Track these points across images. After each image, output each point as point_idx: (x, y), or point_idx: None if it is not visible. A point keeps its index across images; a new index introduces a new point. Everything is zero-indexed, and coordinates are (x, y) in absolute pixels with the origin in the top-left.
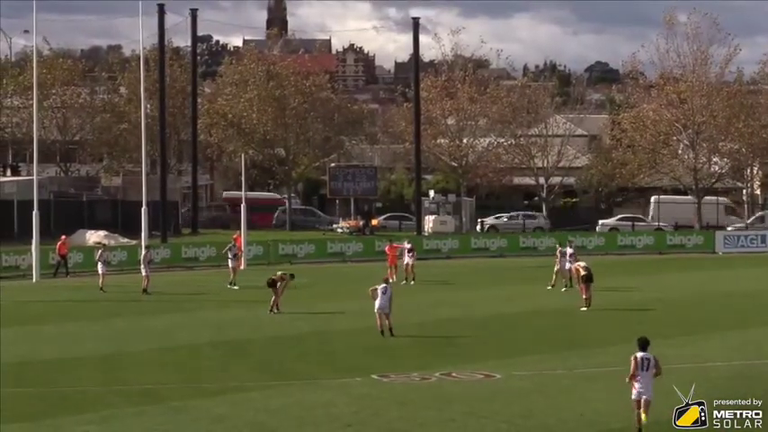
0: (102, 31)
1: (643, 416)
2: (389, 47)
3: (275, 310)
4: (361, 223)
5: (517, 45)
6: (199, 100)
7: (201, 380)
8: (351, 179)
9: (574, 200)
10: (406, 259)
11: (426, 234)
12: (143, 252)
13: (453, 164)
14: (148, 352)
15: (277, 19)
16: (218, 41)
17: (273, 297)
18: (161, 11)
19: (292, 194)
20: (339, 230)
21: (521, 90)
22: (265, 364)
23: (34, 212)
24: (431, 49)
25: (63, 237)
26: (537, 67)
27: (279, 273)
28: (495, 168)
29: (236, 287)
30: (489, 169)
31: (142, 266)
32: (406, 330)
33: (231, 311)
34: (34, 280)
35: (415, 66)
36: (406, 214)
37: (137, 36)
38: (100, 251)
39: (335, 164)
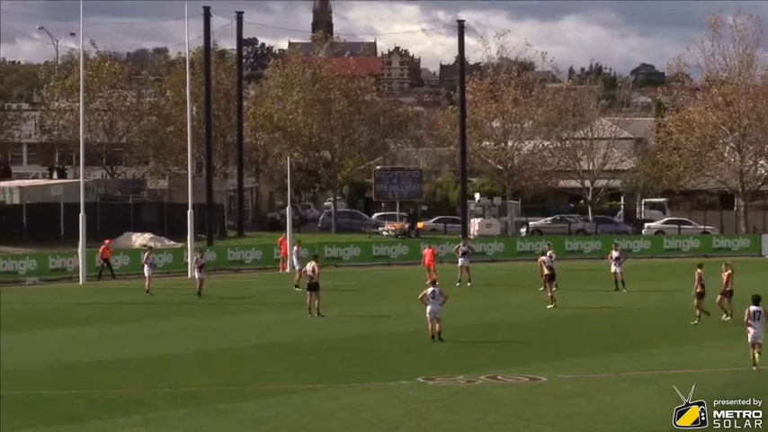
0: (150, 33)
1: (756, 355)
2: (437, 50)
3: (316, 314)
4: (407, 226)
5: (563, 48)
6: (244, 103)
7: (246, 382)
8: (396, 182)
9: (619, 203)
10: (461, 261)
11: (472, 237)
12: (195, 256)
13: (499, 167)
14: (193, 354)
15: (322, 22)
16: (263, 44)
17: (317, 300)
18: (206, 14)
19: (338, 197)
20: (384, 233)
21: (566, 93)
22: (311, 366)
23: (81, 215)
24: (476, 52)
25: (106, 241)
26: (582, 69)
27: (311, 265)
28: (540, 171)
29: (298, 289)
30: (535, 172)
31: (195, 270)
32: (451, 333)
33: (277, 314)
34: (81, 282)
35: (460, 68)
36: (452, 217)
37: (184, 38)
38: (146, 254)
39: (381, 167)
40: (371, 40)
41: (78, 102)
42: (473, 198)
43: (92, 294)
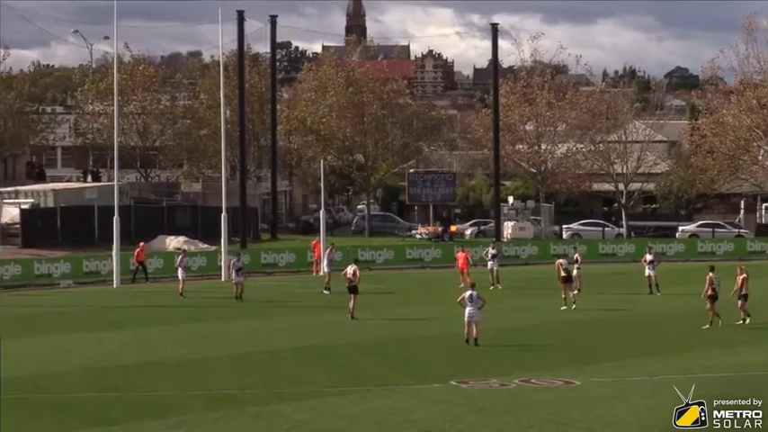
0: (184, 37)
1: None
2: (470, 53)
3: (352, 317)
4: (440, 229)
5: (598, 51)
6: (278, 106)
7: (281, 385)
8: (429, 185)
9: (654, 206)
10: (490, 264)
11: (505, 240)
12: (232, 260)
13: (532, 170)
14: (228, 357)
15: (356, 25)
16: (297, 48)
17: (353, 302)
18: (240, 17)
19: (371, 200)
20: (418, 237)
21: (599, 96)
22: (344, 369)
23: (115, 218)
24: (510, 55)
25: (141, 243)
26: (616, 72)
27: (351, 268)
28: (574, 174)
29: (326, 292)
30: (568, 175)
31: (233, 274)
32: (485, 337)
33: (310, 317)
34: (115, 285)
35: (494, 71)
36: (486, 220)
37: (218, 42)
38: (180, 257)
39: (414, 170)
40: (405, 43)
41: (112, 105)
42: (506, 201)
43: (126, 297)
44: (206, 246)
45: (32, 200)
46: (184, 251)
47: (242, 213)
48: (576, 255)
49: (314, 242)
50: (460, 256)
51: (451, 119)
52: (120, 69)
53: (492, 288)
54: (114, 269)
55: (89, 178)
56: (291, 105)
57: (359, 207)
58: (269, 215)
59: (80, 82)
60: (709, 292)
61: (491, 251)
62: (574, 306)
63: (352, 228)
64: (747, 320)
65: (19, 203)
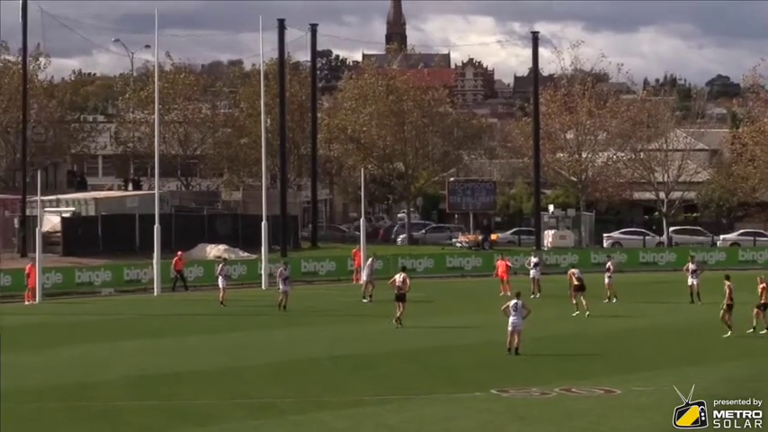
0: (225, 45)
1: None
2: (511, 61)
3: (398, 323)
4: (480, 238)
5: (639, 59)
6: (318, 114)
7: (320, 394)
8: (469, 193)
9: (695, 215)
10: (532, 272)
11: (545, 249)
12: (279, 268)
13: (572, 178)
14: (268, 366)
15: (396, 34)
16: (337, 56)
17: (400, 311)
18: (281, 26)
19: (411, 209)
20: (458, 245)
21: (640, 104)
22: (384, 378)
23: (155, 226)
24: (551, 63)
25: (179, 252)
26: (657, 81)
27: (400, 276)
28: (614, 183)
29: (364, 300)
30: (609, 184)
31: (280, 283)
32: (525, 346)
33: (350, 326)
34: (155, 294)
35: (534, 80)
36: (527, 228)
37: (259, 50)
38: (220, 265)
39: (454, 178)
40: (446, 51)
41: (153, 113)
42: (547, 210)
43: (166, 305)
44: (246, 254)
45: (73, 208)
46: (225, 259)
47: (282, 222)
48: (609, 263)
49: (354, 250)
50: (500, 264)
51: (492, 127)
52: (161, 78)
53: (532, 296)
54: (155, 277)
55: (130, 187)
56: (332, 114)
57: (399, 216)
58: (309, 224)
59: (121, 90)
60: (728, 302)
61: (533, 259)
62: (587, 314)
63: (393, 236)
64: (759, 330)
65: (60, 212)
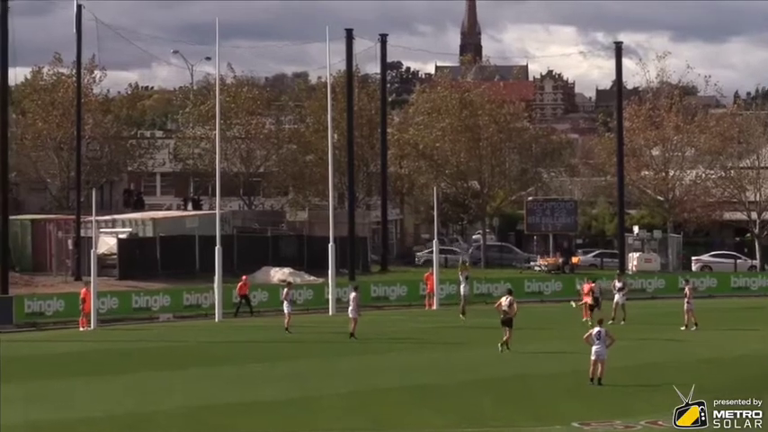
0: (290, 56)
1: None
2: (593, 73)
3: (506, 348)
4: (561, 261)
5: (729, 71)
6: (388, 129)
7: (391, 425)
8: (549, 213)
9: None
10: (617, 297)
11: (630, 272)
12: (352, 293)
13: (659, 198)
14: (336, 396)
15: (471, 44)
16: (408, 68)
17: (506, 335)
18: (349, 36)
19: (487, 230)
20: (537, 268)
21: (731, 118)
22: (459, 408)
23: (216, 248)
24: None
25: (244, 277)
26: (748, 94)
27: (506, 300)
28: (703, 203)
29: (463, 317)
30: (697, 203)
31: (351, 307)
32: (608, 375)
33: (424, 353)
34: (217, 319)
35: (618, 93)
36: (610, 251)
37: (325, 62)
38: (285, 290)
39: (533, 197)
40: (524, 63)
41: (214, 129)
42: (631, 231)
43: (228, 332)
44: (312, 278)
45: (130, 229)
46: (290, 283)
47: (350, 243)
48: (687, 288)
49: (427, 274)
50: (586, 287)
51: (572, 143)
52: (222, 91)
53: (611, 322)
54: (216, 302)
55: (189, 206)
56: (402, 129)
57: (474, 237)
58: (379, 245)
59: (181, 105)
60: None
61: (617, 284)
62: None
63: (467, 259)
64: None
65: (116, 233)
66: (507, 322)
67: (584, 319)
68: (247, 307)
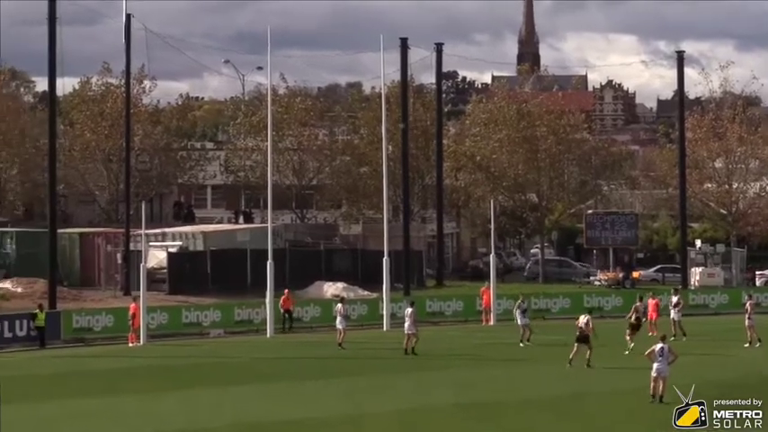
0: (343, 66)
1: None
2: (654, 83)
3: (586, 365)
4: (621, 275)
5: None
6: (444, 141)
7: None
8: (609, 227)
9: None
10: (672, 314)
11: (693, 288)
12: (408, 309)
13: (722, 211)
14: (390, 413)
15: (528, 53)
16: (464, 78)
17: (588, 351)
18: (404, 45)
19: (546, 244)
20: (596, 283)
21: None
22: (516, 427)
23: (269, 263)
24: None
25: (286, 291)
26: None
27: (584, 318)
28: (767, 216)
29: (521, 344)
30: (761, 217)
31: (407, 323)
32: (669, 392)
33: (481, 370)
34: (268, 335)
35: (680, 103)
36: (672, 265)
37: (379, 72)
38: (339, 305)
39: (592, 210)
40: (583, 72)
41: (266, 140)
42: (694, 245)
43: (280, 348)
44: (366, 292)
45: (180, 242)
46: (343, 298)
47: (405, 257)
48: (748, 304)
49: (483, 289)
50: (651, 303)
51: (633, 155)
52: (274, 102)
53: (672, 339)
54: (267, 317)
55: (241, 219)
56: (458, 140)
57: (532, 251)
58: (434, 260)
59: (232, 116)
60: None
61: (673, 299)
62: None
63: (525, 273)
64: None
65: (166, 246)
66: (582, 339)
67: (650, 334)
68: (289, 321)
